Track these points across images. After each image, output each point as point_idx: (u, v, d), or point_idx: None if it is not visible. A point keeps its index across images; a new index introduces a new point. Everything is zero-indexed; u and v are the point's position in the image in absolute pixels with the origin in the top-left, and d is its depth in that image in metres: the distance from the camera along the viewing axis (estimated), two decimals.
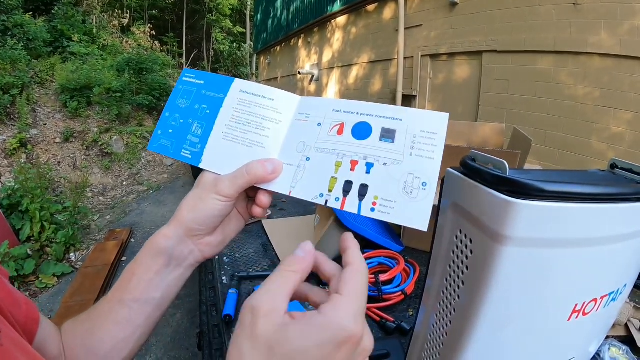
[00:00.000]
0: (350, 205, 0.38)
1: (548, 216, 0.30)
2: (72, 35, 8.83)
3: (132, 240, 4.10)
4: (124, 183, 6.23)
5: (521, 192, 0.30)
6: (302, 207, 1.76)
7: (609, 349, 0.87)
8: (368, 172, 0.38)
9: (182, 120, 0.48)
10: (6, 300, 0.37)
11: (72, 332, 0.46)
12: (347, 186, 0.39)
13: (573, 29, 3.29)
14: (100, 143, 6.37)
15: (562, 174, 0.36)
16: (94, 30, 10.53)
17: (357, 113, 0.42)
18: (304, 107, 0.46)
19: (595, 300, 0.40)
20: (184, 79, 0.51)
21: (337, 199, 0.39)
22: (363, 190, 0.38)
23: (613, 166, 0.43)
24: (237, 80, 0.49)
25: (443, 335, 0.44)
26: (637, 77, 2.95)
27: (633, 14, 2.90)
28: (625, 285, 0.44)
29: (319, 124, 0.43)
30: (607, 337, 0.89)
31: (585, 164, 3.30)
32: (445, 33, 4.65)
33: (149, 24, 16.96)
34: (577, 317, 0.39)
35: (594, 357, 0.84)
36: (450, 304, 0.41)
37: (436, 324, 0.45)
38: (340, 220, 1.24)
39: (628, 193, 0.33)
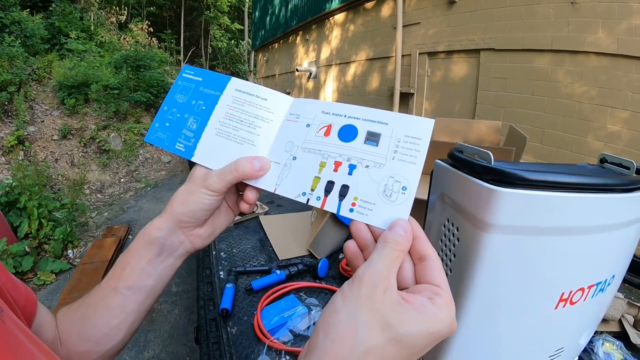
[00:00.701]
0: (330, 204, 0.38)
1: (531, 204, 0.30)
2: (70, 32, 8.78)
3: (130, 237, 4.09)
4: (122, 180, 6.22)
5: (505, 180, 0.31)
6: (299, 204, 1.76)
7: (602, 344, 0.88)
8: (350, 173, 0.39)
9: (179, 115, 0.50)
10: (7, 284, 0.39)
11: (66, 318, 0.47)
12: (329, 186, 0.39)
13: (570, 28, 3.30)
14: (97, 140, 6.36)
15: (550, 166, 0.37)
16: (92, 27, 10.48)
17: (345, 116, 0.43)
18: (295, 108, 0.47)
19: (582, 289, 0.40)
20: (184, 75, 0.52)
21: (318, 198, 0.39)
22: (344, 190, 0.38)
23: (602, 160, 0.44)
24: (233, 79, 0.50)
25: None
26: (634, 76, 2.96)
27: (630, 13, 2.91)
28: (613, 277, 0.45)
29: (308, 125, 0.44)
30: (601, 333, 0.91)
31: (582, 161, 3.31)
32: (443, 31, 4.65)
33: (147, 21, 16.87)
34: (564, 306, 0.40)
35: (587, 352, 0.86)
36: None
37: None
38: (336, 217, 1.25)
39: (612, 184, 0.34)
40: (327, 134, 0.42)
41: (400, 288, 0.31)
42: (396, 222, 0.34)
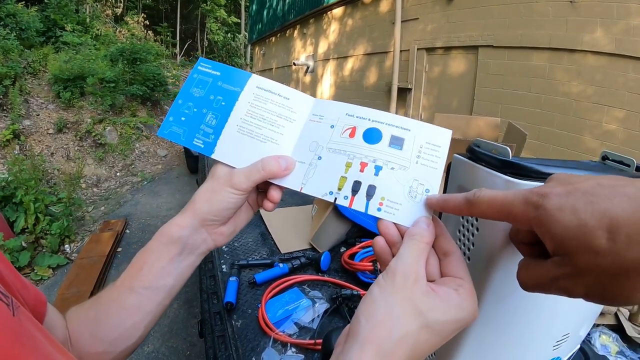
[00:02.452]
0: (358, 204, 0.40)
1: None
2: (65, 25, 8.70)
3: (127, 231, 4.09)
4: (118, 174, 6.19)
5: (522, 174, 0.33)
6: (299, 198, 1.78)
7: (599, 336, 0.90)
8: (376, 174, 0.40)
9: (195, 109, 0.48)
10: (17, 283, 0.38)
11: (77, 318, 0.46)
12: (356, 186, 0.41)
13: (569, 26, 3.31)
14: (93, 134, 6.31)
15: (560, 162, 0.39)
16: (87, 20, 10.39)
17: (369, 119, 0.43)
18: (318, 108, 0.48)
19: None
20: (200, 68, 0.51)
21: (345, 197, 0.41)
22: (371, 190, 0.40)
23: (604, 158, 0.45)
24: (254, 75, 0.50)
25: None
26: (631, 75, 2.98)
27: (629, 14, 2.92)
28: None
29: (332, 126, 0.45)
30: (598, 325, 0.93)
31: (578, 159, 3.34)
32: (441, 27, 4.66)
33: (143, 14, 16.74)
34: None
35: (586, 343, 0.88)
36: None
37: None
38: (338, 210, 1.26)
39: None
40: (352, 135, 0.43)
41: (428, 280, 0.34)
42: (419, 219, 0.37)
